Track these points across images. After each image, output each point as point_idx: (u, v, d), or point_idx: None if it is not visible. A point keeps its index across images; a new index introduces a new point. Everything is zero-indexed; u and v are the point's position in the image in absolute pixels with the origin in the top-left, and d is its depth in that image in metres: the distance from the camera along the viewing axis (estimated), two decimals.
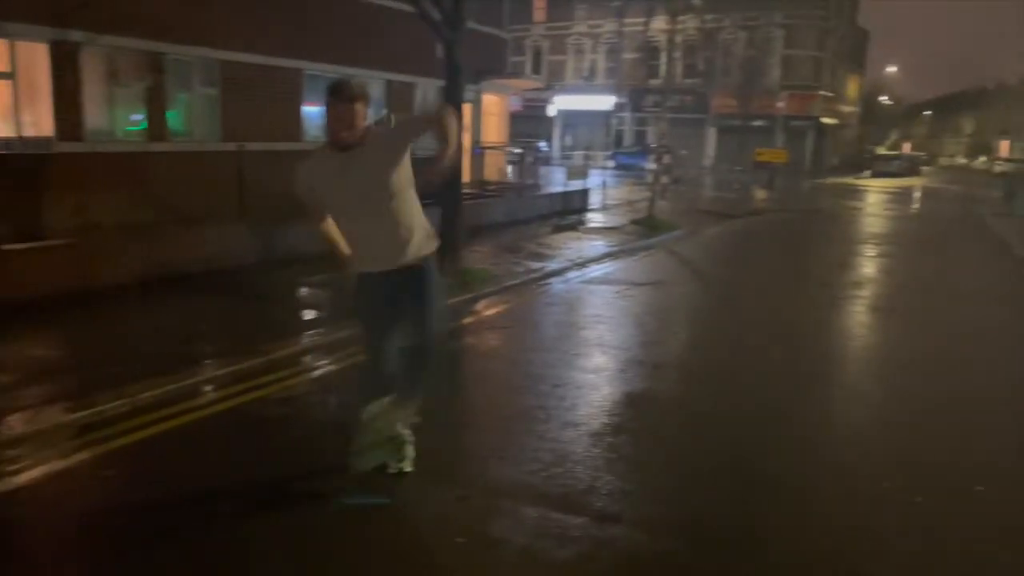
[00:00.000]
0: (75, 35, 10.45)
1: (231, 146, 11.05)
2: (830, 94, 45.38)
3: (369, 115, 3.66)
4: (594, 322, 7.86)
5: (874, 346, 7.69)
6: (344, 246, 3.89)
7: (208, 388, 5.45)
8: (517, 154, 18.28)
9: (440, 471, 4.14)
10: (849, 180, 40.78)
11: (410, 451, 4.09)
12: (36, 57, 10.15)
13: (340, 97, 3.53)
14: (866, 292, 10.25)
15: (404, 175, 3.72)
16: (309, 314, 7.87)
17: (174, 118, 12.17)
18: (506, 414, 5.14)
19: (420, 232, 3.80)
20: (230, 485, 4.03)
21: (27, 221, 9.76)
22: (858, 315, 8.95)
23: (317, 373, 5.98)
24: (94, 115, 10.96)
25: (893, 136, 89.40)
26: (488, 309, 8.47)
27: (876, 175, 45.49)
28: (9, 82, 9.92)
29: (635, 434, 4.78)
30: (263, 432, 4.76)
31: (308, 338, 6.71)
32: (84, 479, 4.08)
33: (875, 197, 29.88)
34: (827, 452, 4.73)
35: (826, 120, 44.75)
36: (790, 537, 3.69)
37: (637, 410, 5.23)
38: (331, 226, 3.90)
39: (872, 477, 4.35)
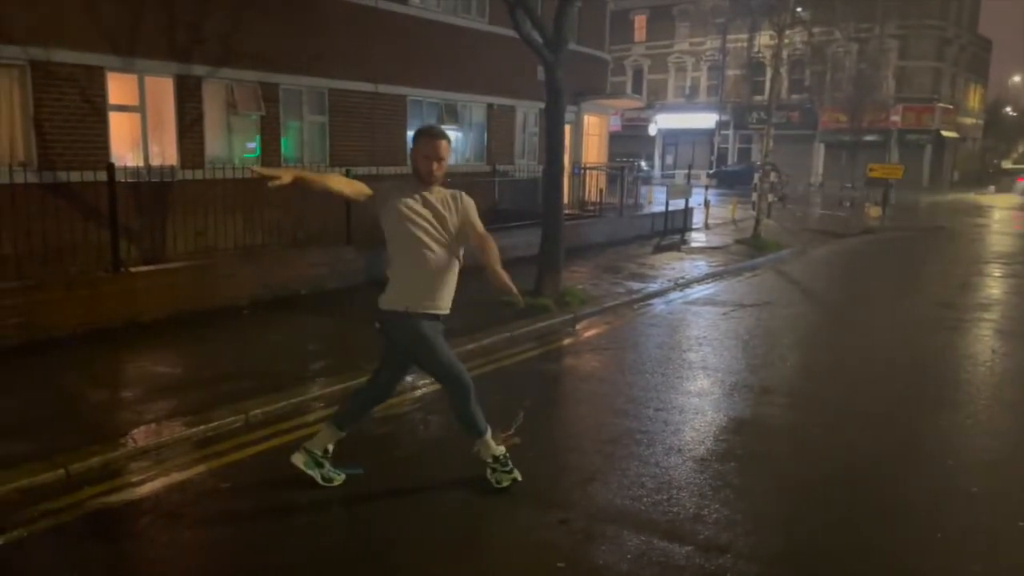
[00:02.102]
0: (197, 69, 11.10)
1: (339, 171, 11.43)
2: (949, 106, 43.13)
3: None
4: (698, 344, 7.65)
5: (1002, 372, 7.16)
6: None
7: (317, 404, 5.59)
8: (617, 173, 18.13)
9: (541, 493, 4.10)
10: (971, 196, 38.51)
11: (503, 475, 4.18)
12: (162, 91, 10.84)
13: (431, 134, 3.94)
14: (992, 315, 9.59)
15: (458, 239, 4.02)
16: None
17: (286, 145, 12.72)
18: (608, 437, 5.04)
19: (447, 296, 4.08)
20: (335, 494, 4.11)
21: (153, 244, 10.42)
22: (984, 339, 8.37)
23: (417, 393, 6.04)
24: (213, 144, 11.59)
25: (1020, 149, 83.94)
26: (588, 330, 8.39)
27: (1002, 191, 42.79)
28: (138, 115, 10.60)
29: (742, 461, 4.60)
30: (365, 447, 4.83)
31: None
32: (201, 490, 4.25)
33: (1000, 214, 28.08)
34: (950, 483, 4.41)
35: (946, 133, 42.52)
36: (906, 571, 3.44)
37: (744, 437, 5.03)
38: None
39: (1002, 514, 4.02)
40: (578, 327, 8.41)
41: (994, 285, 12.06)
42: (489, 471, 4.18)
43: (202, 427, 5.01)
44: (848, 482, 4.40)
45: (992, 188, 44.13)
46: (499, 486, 4.12)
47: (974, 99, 50.88)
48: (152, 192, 10.52)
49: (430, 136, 3.93)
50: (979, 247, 17.71)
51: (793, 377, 6.72)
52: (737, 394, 5.94)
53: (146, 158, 10.72)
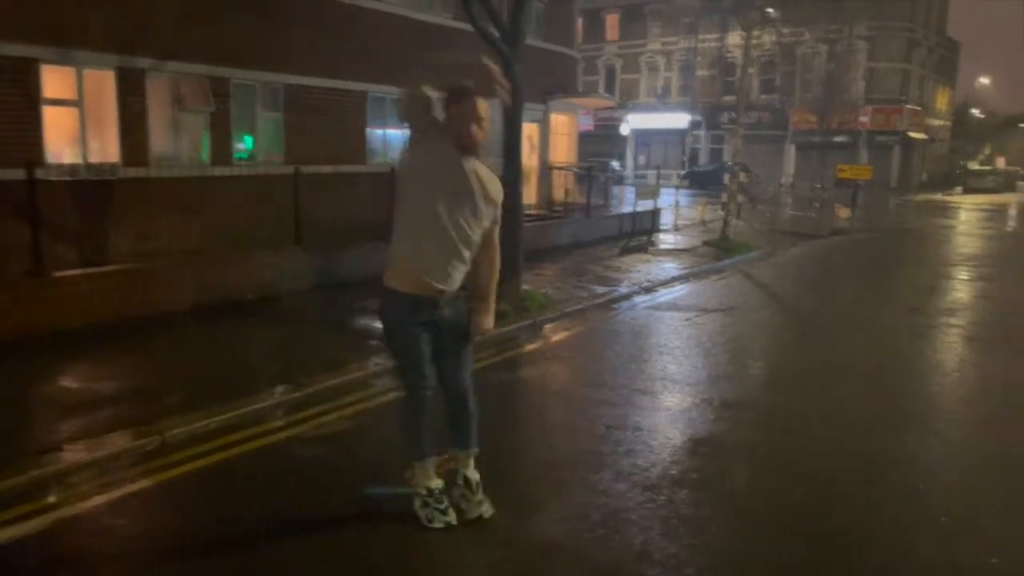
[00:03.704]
0: (141, 62, 10.57)
1: (305, 169, 10.90)
2: (918, 108, 43.43)
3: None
4: (658, 353, 7.31)
5: (971, 384, 6.90)
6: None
7: (249, 422, 5.16)
8: (585, 173, 17.82)
9: (476, 527, 3.71)
10: (939, 197, 38.79)
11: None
12: (102, 84, 10.29)
13: (466, 93, 3.43)
14: (960, 320, 9.37)
15: (489, 220, 3.65)
16: (358, 343, 7.54)
17: (238, 142, 12.21)
18: (556, 459, 4.67)
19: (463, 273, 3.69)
20: (242, 532, 3.69)
21: (92, 247, 9.87)
22: (952, 347, 8.12)
23: (350, 409, 5.63)
24: (159, 141, 11.05)
25: (986, 150, 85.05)
26: (547, 337, 8.03)
27: (968, 191, 43.22)
28: (75, 109, 10.05)
29: (697, 488, 4.24)
30: (294, 474, 4.42)
31: (353, 371, 6.38)
32: (92, 527, 3.81)
33: (968, 215, 28.20)
34: (919, 511, 4.09)
35: (914, 135, 42.81)
36: None
37: (701, 459, 4.68)
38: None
39: (973, 550, 3.71)
40: (537, 334, 8.05)
41: (961, 289, 11.89)
42: (419, 504, 3.76)
43: (106, 451, 4.56)
44: (810, 513, 4.06)
45: (959, 189, 44.52)
46: (429, 524, 3.70)
47: (942, 101, 51.34)
48: (92, 191, 9.98)
49: (469, 94, 3.44)
50: (946, 249, 17.63)
51: (755, 389, 6.40)
52: (695, 409, 5.59)
53: (85, 155, 10.16)
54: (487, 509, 3.74)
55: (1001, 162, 60.41)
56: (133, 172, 10.45)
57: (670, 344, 7.67)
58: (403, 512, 3.77)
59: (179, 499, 4.16)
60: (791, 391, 6.33)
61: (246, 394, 5.58)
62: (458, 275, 3.60)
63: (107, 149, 10.52)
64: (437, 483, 3.77)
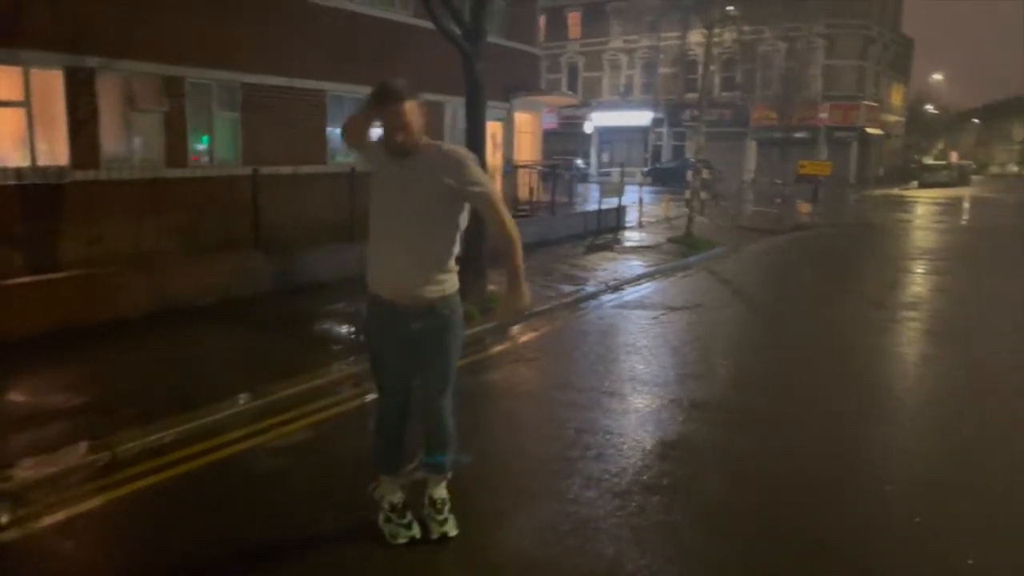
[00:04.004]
0: (90, 61, 10.23)
1: (264, 170, 10.61)
2: (874, 104, 44.13)
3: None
4: (626, 353, 7.24)
5: (935, 379, 6.93)
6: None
7: (203, 434, 4.96)
8: (550, 171, 17.73)
9: (440, 541, 3.57)
10: (896, 191, 39.48)
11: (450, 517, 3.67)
12: (50, 84, 9.94)
13: (387, 99, 3.16)
14: (921, 314, 9.46)
15: (455, 212, 3.37)
16: (319, 348, 7.35)
17: (194, 143, 11.90)
18: (523, 467, 4.55)
19: (450, 273, 3.43)
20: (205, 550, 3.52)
21: (41, 252, 9.51)
22: (916, 343, 8.18)
23: (312, 419, 5.46)
24: (111, 142, 10.72)
25: (940, 145, 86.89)
26: (514, 338, 7.91)
27: (924, 185, 44.09)
28: (23, 110, 9.69)
29: (669, 494, 4.15)
30: (252, 488, 4.25)
31: (314, 377, 6.20)
32: (86, 529, 3.61)
33: (924, 209, 28.72)
34: (891, 512, 4.05)
35: (871, 130, 43.49)
36: None
37: (672, 463, 4.59)
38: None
39: (948, 551, 3.67)
40: (504, 336, 7.91)
41: (921, 283, 12.03)
42: (383, 519, 3.63)
43: (53, 469, 4.34)
44: (785, 517, 4.00)
45: (915, 183, 45.36)
46: (393, 541, 3.56)
47: (897, 97, 52.27)
48: (40, 195, 9.64)
49: (388, 101, 3.15)
50: (905, 243, 17.88)
51: (724, 389, 6.33)
52: (665, 411, 5.51)
53: (33, 158, 9.81)
54: (451, 528, 3.60)
55: (954, 156, 61.76)
56: (83, 175, 10.12)
57: (638, 343, 7.60)
58: (367, 528, 3.62)
59: (128, 519, 3.96)
60: (760, 390, 6.28)
61: (202, 404, 5.37)
62: (433, 281, 3.34)
63: (56, 151, 10.17)
64: (399, 497, 3.64)
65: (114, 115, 10.77)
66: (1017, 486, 4.50)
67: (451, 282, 3.44)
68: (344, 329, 7.78)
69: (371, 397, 5.29)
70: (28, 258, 9.24)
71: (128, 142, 10.98)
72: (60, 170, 9.91)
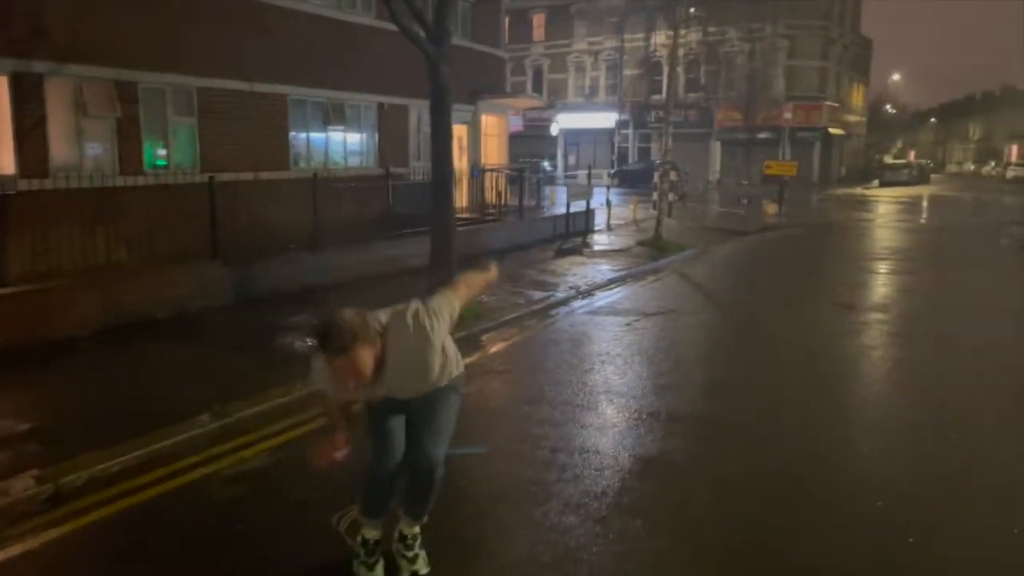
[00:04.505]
0: (38, 66, 9.79)
1: (221, 177, 10.20)
2: (836, 104, 44.65)
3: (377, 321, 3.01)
4: (600, 363, 7.04)
5: (911, 383, 6.84)
6: (342, 423, 3.34)
7: (154, 463, 4.65)
8: (517, 175, 17.51)
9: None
10: (858, 190, 39.94)
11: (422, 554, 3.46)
12: None
13: (331, 350, 2.88)
14: (889, 315, 9.41)
15: (443, 336, 3.19)
16: (280, 365, 7.03)
17: (148, 150, 11.48)
18: (496, 491, 4.31)
19: (453, 361, 3.37)
20: None
21: None
22: (887, 345, 8.10)
23: (277, 440, 5.17)
24: (61, 150, 10.28)
25: (899, 144, 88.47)
26: (483, 349, 7.68)
27: (885, 184, 44.68)
28: None
29: (651, 518, 3.95)
30: (206, 520, 3.96)
31: (275, 396, 5.90)
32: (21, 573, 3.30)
33: (886, 208, 29.03)
34: (886, 533, 3.89)
35: (833, 130, 44.00)
36: None
37: (653, 483, 4.39)
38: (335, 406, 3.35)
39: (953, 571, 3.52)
40: (472, 346, 7.67)
41: (887, 283, 12.04)
42: (356, 560, 3.39)
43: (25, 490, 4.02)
44: (772, 539, 3.82)
45: (876, 182, 45.97)
46: (412, 568, 3.34)
47: (857, 97, 53.00)
48: None
49: (333, 351, 2.89)
50: (869, 243, 17.97)
51: (702, 400, 6.15)
52: (643, 425, 5.31)
53: None
54: (422, 566, 3.37)
55: (912, 156, 62.91)
56: (30, 184, 9.67)
57: (611, 352, 7.41)
58: (330, 562, 3.37)
59: (69, 561, 3.65)
60: (737, 400, 6.11)
61: (154, 428, 5.06)
62: (439, 378, 3.27)
63: (1, 160, 9.71)
64: (373, 535, 3.39)
65: (64, 122, 10.32)
66: (1007, 489, 4.37)
67: (456, 366, 3.40)
68: (307, 343, 7.47)
69: None
70: None
71: (79, 150, 10.53)
72: (5, 180, 9.45)
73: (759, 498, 4.25)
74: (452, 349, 3.34)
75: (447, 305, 3.16)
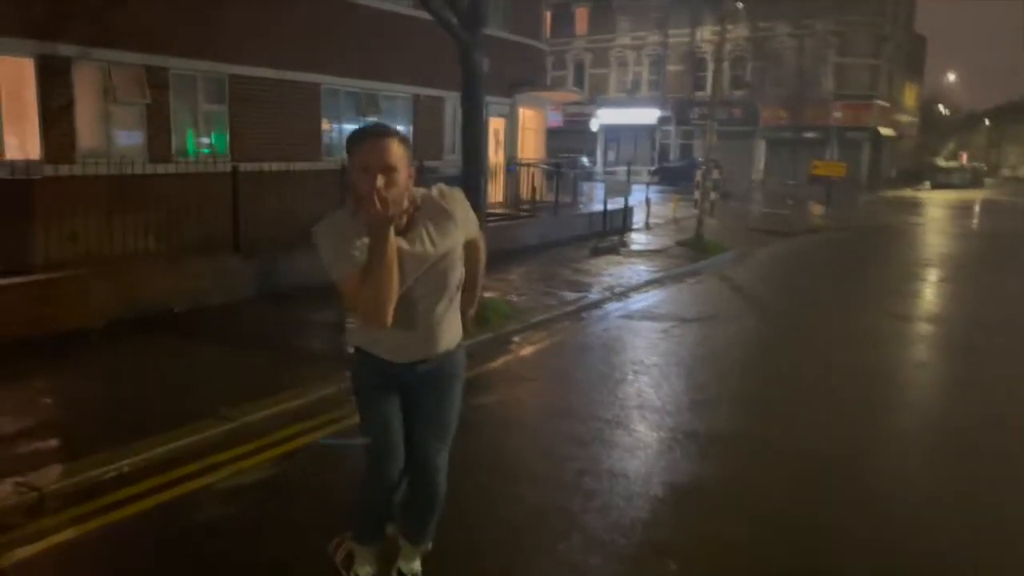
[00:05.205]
0: (65, 49, 9.60)
1: (246, 166, 9.88)
2: (886, 104, 43.31)
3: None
4: (634, 373, 6.57)
5: (979, 407, 6.25)
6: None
7: (150, 469, 4.33)
8: (554, 170, 17.04)
9: None
10: (908, 193, 38.70)
11: None
12: (20, 73, 9.31)
13: (375, 132, 2.48)
14: (950, 327, 8.80)
15: (457, 254, 2.72)
16: (297, 364, 6.68)
17: (190, 137, 11.28)
18: (514, 519, 3.89)
19: (458, 322, 2.87)
20: None
21: (11, 253, 8.88)
22: (950, 362, 7.51)
23: (275, 452, 4.82)
24: (88, 135, 10.09)
25: (951, 146, 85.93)
26: (511, 353, 7.25)
27: (936, 187, 43.30)
28: None
29: (688, 560, 3.49)
30: (194, 542, 3.61)
31: (287, 399, 5.55)
32: None
33: (939, 211, 27.97)
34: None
35: (883, 131, 42.67)
36: None
37: (690, 516, 3.94)
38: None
39: None
40: (498, 350, 7.25)
41: (942, 292, 11.37)
42: None
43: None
44: None
45: (928, 185, 44.58)
46: None
47: (909, 96, 51.43)
48: (7, 191, 9.01)
49: (363, 138, 2.45)
50: (923, 247, 17.18)
51: (742, 419, 5.65)
52: (679, 447, 4.85)
53: (0, 151, 9.19)
54: None
55: (964, 158, 60.94)
56: (57, 170, 9.49)
57: (647, 361, 6.94)
58: None
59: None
60: (782, 420, 5.61)
61: (154, 432, 4.73)
62: (445, 331, 2.76)
63: (27, 145, 9.55)
64: (366, 571, 3.00)
65: (92, 107, 10.13)
66: None
67: (458, 326, 2.86)
68: (327, 341, 7.14)
69: (350, 423, 4.68)
70: None
71: (106, 136, 10.34)
72: (31, 165, 9.28)
73: (808, 535, 3.77)
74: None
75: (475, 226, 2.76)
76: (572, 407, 5.63)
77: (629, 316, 8.94)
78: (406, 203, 2.53)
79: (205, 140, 11.64)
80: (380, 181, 2.37)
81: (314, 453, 4.71)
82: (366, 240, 2.42)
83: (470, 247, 2.79)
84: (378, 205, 2.31)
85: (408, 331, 2.67)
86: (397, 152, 2.43)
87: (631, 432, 5.10)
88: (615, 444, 4.86)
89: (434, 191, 2.64)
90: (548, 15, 25.77)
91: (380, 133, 2.47)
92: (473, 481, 4.21)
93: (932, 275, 12.79)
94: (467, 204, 2.71)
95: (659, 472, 4.46)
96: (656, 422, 5.30)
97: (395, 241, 2.44)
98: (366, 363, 2.81)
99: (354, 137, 2.48)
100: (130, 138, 10.66)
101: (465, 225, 2.68)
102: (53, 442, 4.58)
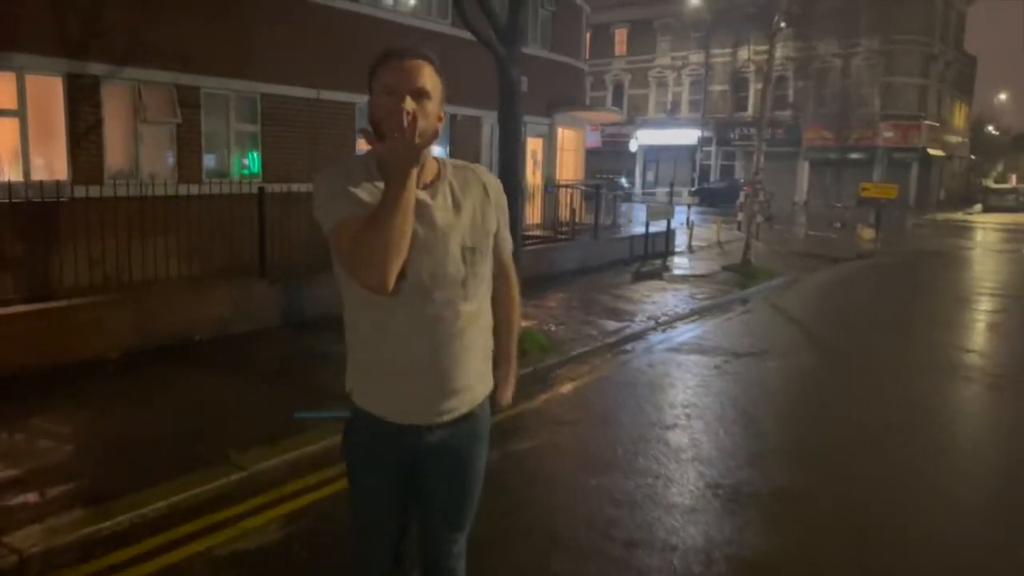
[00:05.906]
0: (95, 68, 9.37)
1: (273, 188, 9.51)
2: (936, 124, 42.05)
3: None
4: (685, 417, 5.98)
5: None
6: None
7: (143, 530, 3.88)
8: (593, 191, 16.53)
9: None
10: (959, 216, 37.42)
11: None
12: (48, 92, 9.09)
13: (405, 51, 1.98)
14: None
15: (485, 252, 2.10)
16: (319, 401, 6.19)
17: (208, 158, 10.99)
18: None
19: (487, 361, 2.16)
20: None
21: (33, 277, 8.62)
22: None
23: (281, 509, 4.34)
24: (116, 156, 9.85)
25: (999, 167, 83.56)
26: (548, 391, 6.71)
27: (988, 210, 41.86)
28: (16, 120, 8.84)
29: None
30: None
31: (307, 443, 5.07)
32: None
33: (992, 235, 26.83)
34: None
35: (932, 152, 41.40)
36: None
37: None
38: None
39: None
40: (535, 388, 6.72)
41: (1011, 326, 10.54)
42: None
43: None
44: None
45: (979, 207, 43.16)
46: None
47: (959, 117, 50.01)
48: (34, 213, 8.75)
49: (390, 56, 1.97)
50: (982, 275, 16.28)
51: (808, 473, 5.02)
52: (742, 512, 4.26)
53: (26, 172, 8.95)
54: None
55: (1012, 179, 58.99)
56: (84, 191, 9.23)
57: (699, 403, 6.34)
58: None
59: None
60: (853, 475, 4.98)
61: (153, 482, 4.29)
62: (469, 366, 2.07)
63: (54, 165, 9.32)
64: None
65: (121, 127, 9.89)
66: None
67: (487, 368, 2.18)
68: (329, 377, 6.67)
69: None
70: (17, 283, 8.36)
71: (136, 156, 10.08)
72: (59, 185, 9.02)
73: None
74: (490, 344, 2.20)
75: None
76: (618, 458, 5.05)
77: (676, 349, 8.35)
78: (432, 159, 2.02)
79: (236, 161, 11.36)
80: (409, 104, 1.85)
81: (328, 510, 4.21)
82: (379, 184, 1.89)
83: (500, 264, 2.20)
84: (405, 125, 1.75)
85: (416, 357, 1.99)
86: (431, 77, 1.96)
87: (686, 491, 4.51)
88: (669, 506, 4.28)
89: (473, 167, 2.16)
90: (588, 35, 25.39)
91: (411, 52, 1.98)
92: (503, 555, 3.67)
93: (997, 307, 11.97)
94: (504, 197, 2.17)
95: (719, 544, 3.86)
96: (714, 479, 4.70)
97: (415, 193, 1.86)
98: (359, 422, 2.14)
99: (379, 57, 1.99)
100: (160, 159, 10.40)
101: (499, 208, 2.13)
102: (43, 493, 4.15)
